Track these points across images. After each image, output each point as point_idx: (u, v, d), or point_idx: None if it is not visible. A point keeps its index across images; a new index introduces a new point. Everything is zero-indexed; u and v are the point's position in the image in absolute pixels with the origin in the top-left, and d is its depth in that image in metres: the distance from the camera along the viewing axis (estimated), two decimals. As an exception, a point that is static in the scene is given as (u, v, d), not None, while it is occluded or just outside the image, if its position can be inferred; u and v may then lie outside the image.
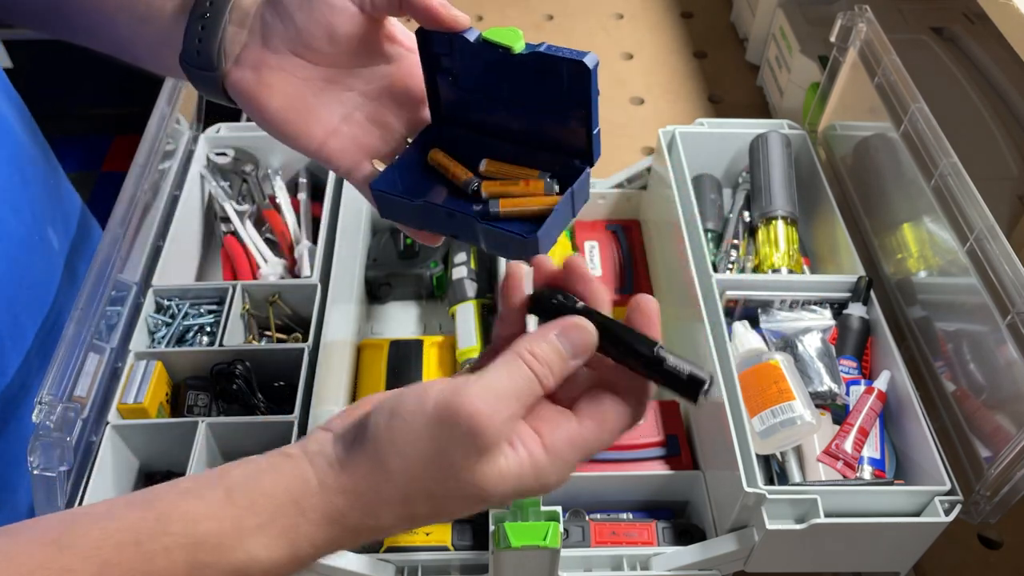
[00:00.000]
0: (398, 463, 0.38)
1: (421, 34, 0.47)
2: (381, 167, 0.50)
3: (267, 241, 0.84)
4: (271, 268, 0.81)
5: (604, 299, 0.42)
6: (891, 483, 0.64)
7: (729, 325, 0.73)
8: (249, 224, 0.85)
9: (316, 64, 0.48)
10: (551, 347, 0.39)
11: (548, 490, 0.40)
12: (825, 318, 0.73)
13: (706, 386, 0.40)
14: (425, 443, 0.38)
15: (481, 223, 0.47)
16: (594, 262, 0.89)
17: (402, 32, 0.50)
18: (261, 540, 0.38)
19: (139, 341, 0.71)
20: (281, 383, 0.72)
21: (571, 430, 0.40)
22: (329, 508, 0.39)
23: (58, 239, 0.71)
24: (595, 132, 0.47)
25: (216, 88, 0.49)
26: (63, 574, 0.35)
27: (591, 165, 0.48)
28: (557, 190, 0.48)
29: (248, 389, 0.70)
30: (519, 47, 0.45)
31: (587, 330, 0.40)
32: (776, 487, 0.61)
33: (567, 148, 0.48)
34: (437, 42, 0.47)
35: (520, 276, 0.42)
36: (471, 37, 0.46)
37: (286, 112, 0.48)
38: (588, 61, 0.43)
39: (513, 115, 0.49)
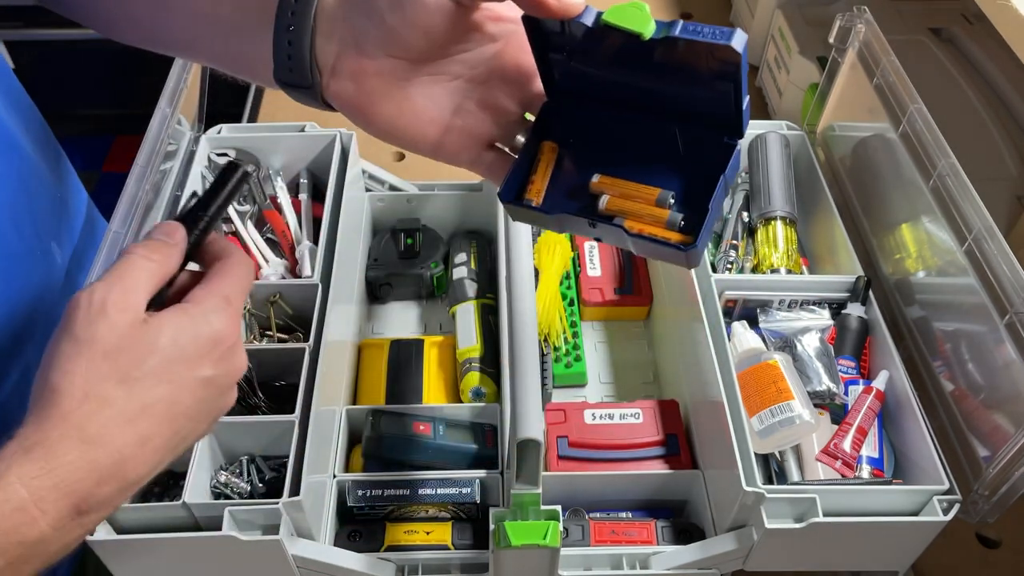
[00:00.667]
0: (51, 370, 0.41)
1: (528, 20, 0.42)
2: (504, 150, 0.47)
3: (268, 241, 0.84)
4: (272, 268, 0.82)
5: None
6: (889, 482, 0.64)
7: (728, 325, 0.73)
8: (250, 224, 0.85)
9: (416, 61, 0.45)
10: (147, 243, 0.46)
11: (219, 335, 0.44)
12: (824, 318, 0.73)
13: (238, 168, 0.50)
14: (65, 337, 0.41)
15: (631, 235, 0.44)
16: (594, 262, 0.89)
17: (507, 6, 0.44)
18: None
19: (140, 341, 0.71)
20: (282, 383, 0.72)
21: (199, 288, 0.45)
22: (20, 441, 0.40)
23: (61, 252, 0.70)
24: (745, 106, 0.41)
25: (316, 101, 0.47)
26: None
27: (740, 138, 0.43)
28: (681, 224, 0.44)
29: (249, 389, 0.71)
30: (649, 31, 0.39)
31: (167, 223, 0.47)
32: (775, 486, 0.61)
33: (708, 119, 0.43)
34: (548, 25, 0.42)
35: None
36: (588, 21, 0.40)
37: (396, 119, 0.46)
38: (736, 44, 0.37)
39: (643, 88, 0.44)
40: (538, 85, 0.47)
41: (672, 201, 0.44)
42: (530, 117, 0.48)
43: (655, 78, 0.42)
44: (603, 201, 0.45)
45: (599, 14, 0.40)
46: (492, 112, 0.47)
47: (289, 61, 0.46)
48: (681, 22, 0.39)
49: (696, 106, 0.43)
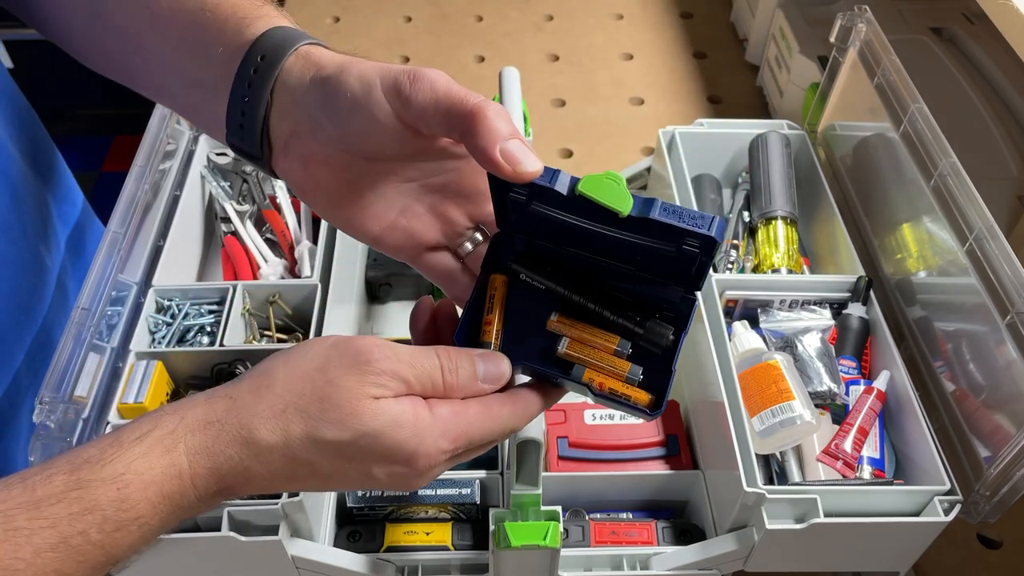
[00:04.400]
0: (283, 372, 0.41)
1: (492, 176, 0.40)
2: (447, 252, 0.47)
3: (267, 241, 0.84)
4: (271, 268, 0.81)
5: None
6: (890, 483, 0.64)
7: (729, 325, 0.73)
8: (249, 224, 0.85)
9: (369, 160, 0.44)
10: (467, 357, 0.42)
11: (425, 458, 0.41)
12: (825, 318, 0.73)
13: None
14: (311, 359, 0.41)
15: (595, 395, 0.43)
16: (594, 262, 0.89)
17: None
18: (137, 449, 0.39)
19: (140, 341, 0.71)
20: (281, 383, 0.72)
21: (455, 405, 0.42)
22: (208, 412, 0.41)
23: (51, 256, 0.70)
24: (707, 270, 0.41)
25: (267, 171, 0.47)
26: None
27: (699, 290, 0.42)
28: (640, 380, 0.42)
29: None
30: (627, 209, 0.37)
31: (503, 364, 0.43)
32: (776, 487, 0.61)
33: (666, 274, 0.42)
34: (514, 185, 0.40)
35: (427, 308, 0.46)
36: (562, 188, 0.38)
37: (338, 209, 0.46)
38: (716, 234, 0.36)
39: (604, 246, 0.42)
40: (491, 208, 0.46)
41: (630, 352, 0.43)
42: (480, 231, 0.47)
43: (619, 242, 0.41)
44: (563, 344, 0.43)
45: (574, 183, 0.38)
46: (440, 220, 0.47)
47: (241, 130, 0.45)
48: (659, 203, 0.37)
49: (657, 263, 0.42)
